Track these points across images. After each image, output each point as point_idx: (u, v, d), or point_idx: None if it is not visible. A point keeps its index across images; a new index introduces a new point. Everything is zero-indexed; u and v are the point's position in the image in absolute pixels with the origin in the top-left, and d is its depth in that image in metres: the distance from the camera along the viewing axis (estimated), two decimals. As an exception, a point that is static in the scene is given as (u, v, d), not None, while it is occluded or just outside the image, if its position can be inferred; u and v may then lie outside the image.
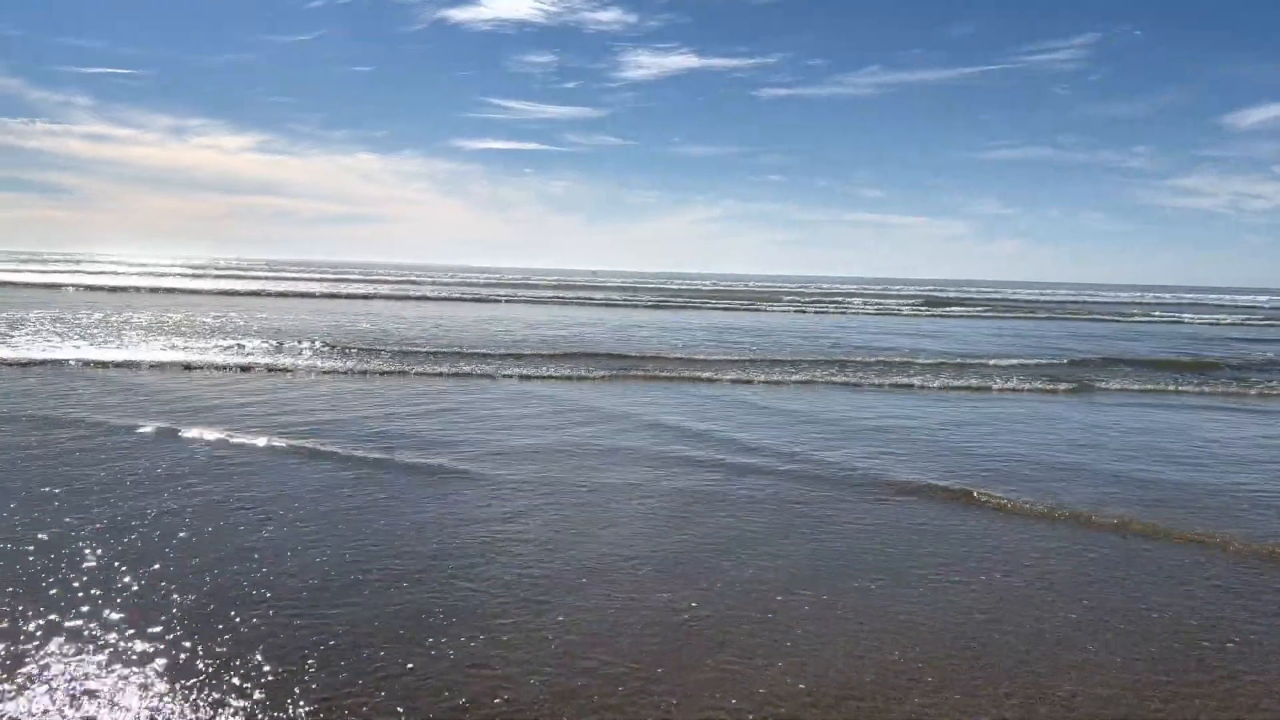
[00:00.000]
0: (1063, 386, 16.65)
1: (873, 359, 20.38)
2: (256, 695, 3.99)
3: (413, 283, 68.18)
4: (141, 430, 9.61)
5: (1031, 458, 9.85)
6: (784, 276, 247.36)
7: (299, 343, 19.46)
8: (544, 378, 15.63)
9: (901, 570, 5.99)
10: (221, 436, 9.40)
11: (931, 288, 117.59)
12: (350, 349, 18.65)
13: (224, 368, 15.27)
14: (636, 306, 44.37)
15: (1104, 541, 6.80)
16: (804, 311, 45.27)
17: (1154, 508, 7.78)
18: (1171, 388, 17.16)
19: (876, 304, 55.67)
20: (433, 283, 69.81)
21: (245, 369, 15.23)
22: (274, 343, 19.38)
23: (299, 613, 4.88)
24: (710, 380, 16.04)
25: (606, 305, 44.66)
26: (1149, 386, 17.24)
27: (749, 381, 16.03)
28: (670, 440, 10.17)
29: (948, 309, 52.48)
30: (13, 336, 18.71)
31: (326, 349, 18.57)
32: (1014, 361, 20.84)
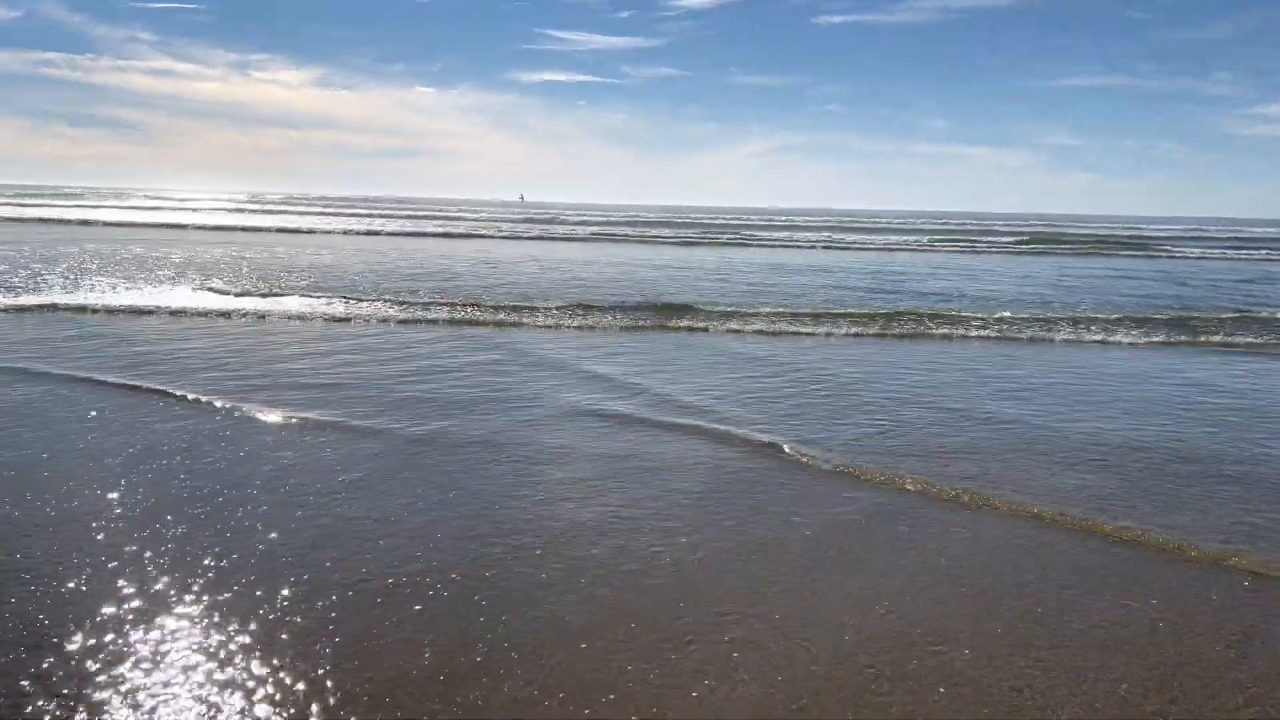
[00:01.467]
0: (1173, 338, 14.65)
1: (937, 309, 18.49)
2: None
3: (469, 219, 67.12)
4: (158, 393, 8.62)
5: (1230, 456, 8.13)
6: (843, 210, 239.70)
7: (329, 293, 18.47)
8: (579, 329, 14.34)
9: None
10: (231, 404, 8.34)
11: (1001, 222, 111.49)
12: (402, 296, 17.60)
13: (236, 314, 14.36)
14: (695, 244, 42.55)
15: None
16: (851, 248, 42.77)
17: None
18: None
19: (947, 240, 52.45)
20: (488, 220, 68.67)
21: (303, 318, 14.32)
22: (311, 288, 18.46)
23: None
24: (764, 334, 14.50)
25: (656, 243, 42.96)
26: None
27: (828, 335, 14.44)
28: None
29: (1047, 246, 49.07)
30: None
31: (366, 296, 17.57)
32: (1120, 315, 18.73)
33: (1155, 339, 14.72)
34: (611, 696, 3.68)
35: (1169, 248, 49.72)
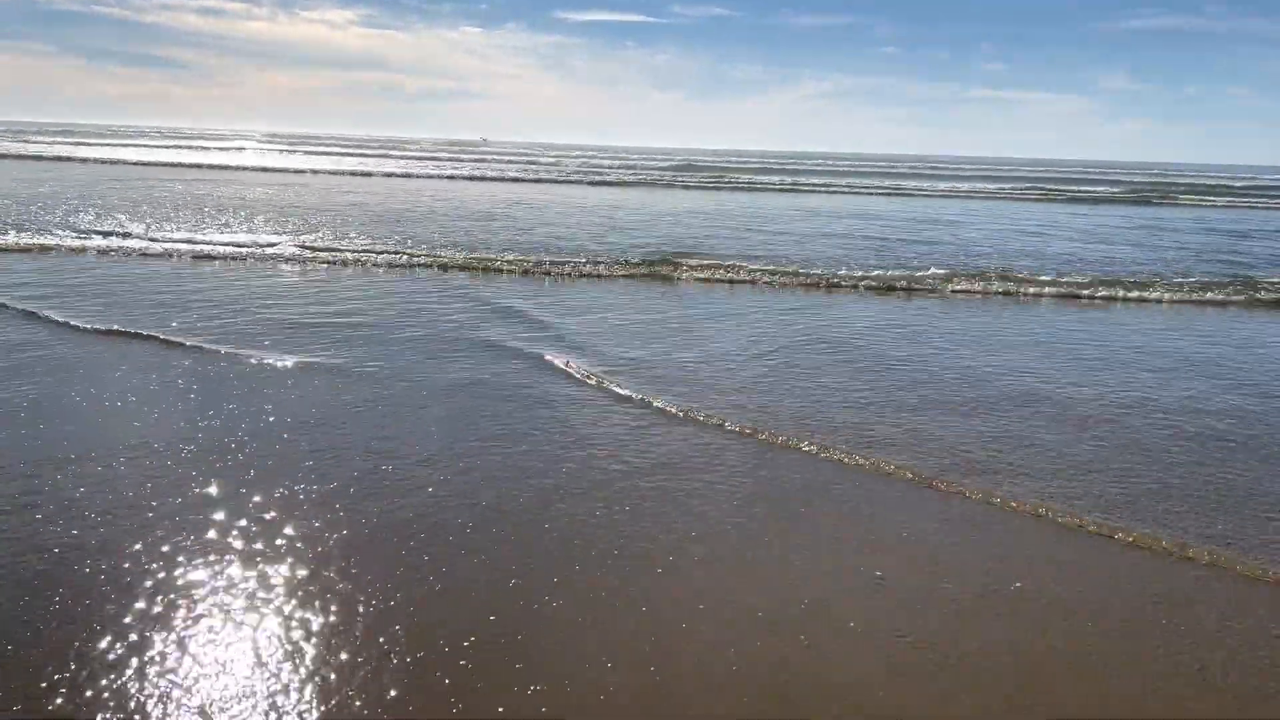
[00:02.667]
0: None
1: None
2: None
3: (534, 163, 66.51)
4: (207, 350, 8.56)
5: None
6: (895, 156, 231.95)
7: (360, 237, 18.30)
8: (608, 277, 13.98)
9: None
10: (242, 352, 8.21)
11: (1060, 169, 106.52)
12: (439, 250, 17.41)
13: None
14: (732, 190, 41.63)
15: None
16: (902, 194, 41.22)
17: None
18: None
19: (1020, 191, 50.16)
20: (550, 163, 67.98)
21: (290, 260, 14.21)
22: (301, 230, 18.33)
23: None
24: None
25: (705, 189, 42.11)
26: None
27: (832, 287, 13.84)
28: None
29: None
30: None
31: (398, 244, 17.39)
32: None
33: None
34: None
35: None
